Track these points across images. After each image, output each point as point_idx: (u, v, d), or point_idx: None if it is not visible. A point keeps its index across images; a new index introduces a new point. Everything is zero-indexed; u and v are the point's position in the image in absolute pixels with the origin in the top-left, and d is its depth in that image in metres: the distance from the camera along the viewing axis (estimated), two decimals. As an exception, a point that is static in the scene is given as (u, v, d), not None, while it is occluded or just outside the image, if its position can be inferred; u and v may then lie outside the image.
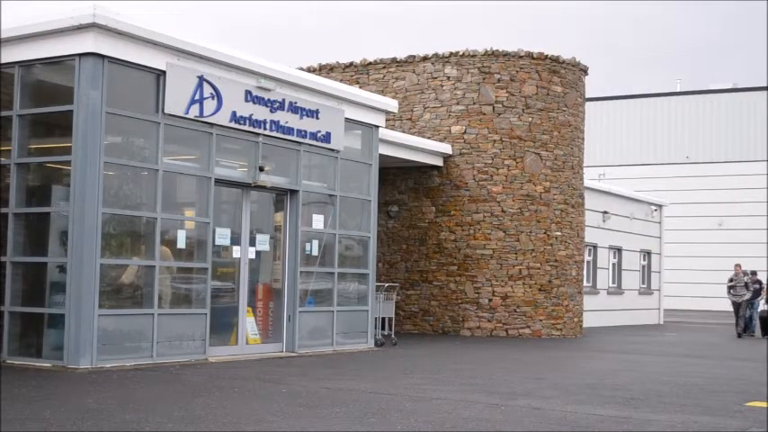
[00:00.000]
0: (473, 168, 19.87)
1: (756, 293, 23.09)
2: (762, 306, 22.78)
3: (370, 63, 21.27)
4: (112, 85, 11.31)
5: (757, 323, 22.88)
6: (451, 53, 20.23)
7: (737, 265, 23.56)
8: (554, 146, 20.15)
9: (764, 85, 44.54)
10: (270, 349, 13.91)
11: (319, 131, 14.52)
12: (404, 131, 20.00)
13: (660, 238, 31.29)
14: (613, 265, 27.90)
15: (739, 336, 22.45)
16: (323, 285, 14.93)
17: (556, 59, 20.24)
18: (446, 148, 19.88)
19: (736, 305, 22.92)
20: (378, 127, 16.12)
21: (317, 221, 14.77)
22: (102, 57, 11.17)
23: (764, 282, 23.68)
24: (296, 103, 14.08)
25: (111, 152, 11.49)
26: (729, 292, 23.20)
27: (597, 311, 25.25)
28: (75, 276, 10.94)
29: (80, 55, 11.14)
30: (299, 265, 14.26)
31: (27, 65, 11.72)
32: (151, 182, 11.91)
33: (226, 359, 12.64)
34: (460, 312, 19.78)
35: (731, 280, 23.21)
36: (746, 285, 22.90)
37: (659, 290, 31.06)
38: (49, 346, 11.28)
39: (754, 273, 23.93)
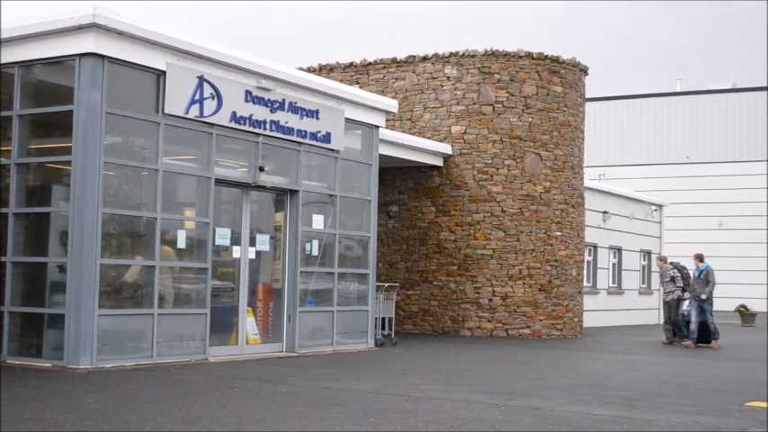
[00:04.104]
0: (473, 168, 19.87)
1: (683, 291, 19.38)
2: (685, 306, 19.23)
3: (370, 63, 21.27)
4: (112, 85, 11.31)
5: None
6: (451, 53, 20.22)
7: (662, 258, 20.51)
8: (554, 146, 20.15)
9: (764, 85, 44.52)
10: (270, 349, 13.91)
11: (319, 131, 14.52)
12: (404, 131, 19.99)
13: (660, 238, 31.28)
14: (613, 265, 27.90)
15: (669, 342, 19.19)
16: (323, 285, 14.92)
17: (556, 59, 20.24)
18: (446, 148, 19.88)
19: (666, 304, 19.69)
20: (378, 127, 16.11)
21: (317, 221, 14.77)
22: (102, 57, 11.17)
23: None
24: (296, 103, 14.08)
25: (111, 152, 11.49)
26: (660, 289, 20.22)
27: (597, 311, 25.25)
28: (75, 276, 10.94)
29: (80, 55, 11.14)
30: (299, 265, 14.25)
31: (27, 65, 11.72)
32: (151, 182, 11.91)
33: (226, 359, 12.64)
34: (460, 312, 19.78)
35: (660, 279, 20.27)
36: (673, 280, 19.41)
37: (659, 290, 31.06)
38: (49, 346, 11.28)
39: (683, 267, 19.87)
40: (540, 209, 19.89)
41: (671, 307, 19.32)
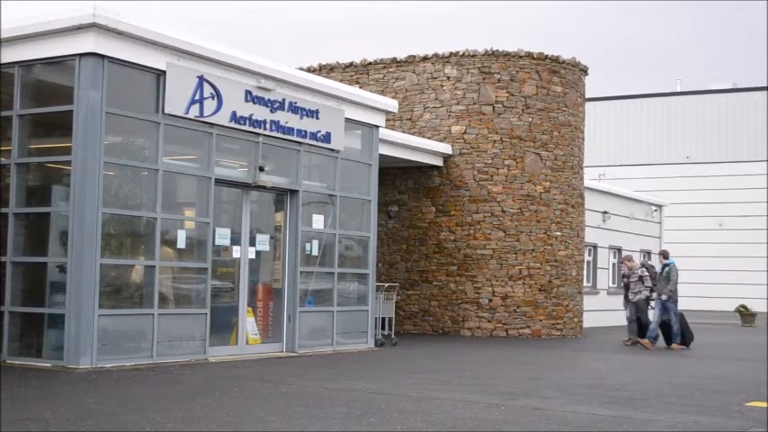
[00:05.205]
0: (473, 168, 19.87)
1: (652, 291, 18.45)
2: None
3: (370, 63, 21.27)
4: (112, 85, 11.31)
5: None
6: (451, 53, 20.23)
7: (628, 259, 19.25)
8: (554, 146, 20.15)
9: (764, 85, 44.55)
10: (270, 349, 13.91)
11: (319, 131, 14.52)
12: (404, 131, 19.99)
13: (660, 238, 31.28)
14: (613, 265, 27.89)
15: (633, 343, 18.37)
16: (323, 285, 14.92)
17: (556, 59, 20.24)
18: (446, 148, 19.88)
19: (633, 304, 18.53)
20: (378, 127, 16.11)
21: (317, 221, 14.77)
22: (102, 57, 11.16)
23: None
24: (296, 103, 14.07)
25: (111, 152, 11.49)
26: (628, 294, 18.76)
27: (597, 311, 25.24)
28: (75, 276, 10.94)
29: (80, 55, 11.14)
30: (299, 265, 14.25)
31: (27, 65, 11.72)
32: (151, 182, 11.91)
33: (226, 359, 12.64)
34: (460, 312, 19.77)
35: (625, 277, 18.97)
36: (642, 280, 18.37)
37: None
38: (49, 346, 11.28)
39: (652, 267, 19.06)
40: (540, 209, 19.89)
41: (639, 307, 18.42)
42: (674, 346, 17.79)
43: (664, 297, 17.82)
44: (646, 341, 17.79)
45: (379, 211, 17.78)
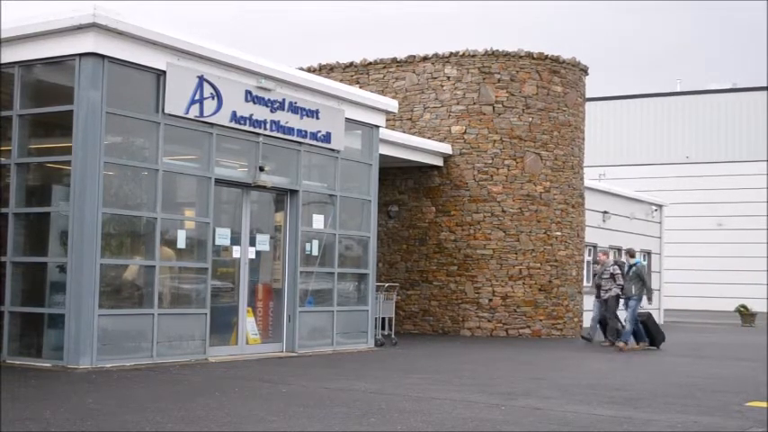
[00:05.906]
0: (473, 168, 19.87)
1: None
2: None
3: (370, 63, 21.27)
4: (112, 85, 11.31)
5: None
6: (451, 53, 20.23)
7: (603, 254, 18.95)
8: (554, 146, 20.15)
9: (764, 85, 44.54)
10: (270, 349, 13.91)
11: (319, 131, 14.52)
12: (404, 131, 19.99)
13: (660, 238, 31.28)
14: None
15: (590, 339, 18.23)
16: (323, 285, 14.92)
17: (556, 59, 20.25)
18: (446, 148, 19.88)
19: (603, 302, 18.09)
20: (378, 127, 16.11)
21: (317, 221, 14.77)
22: (103, 57, 11.16)
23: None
24: (296, 103, 14.07)
25: (111, 152, 11.49)
26: (599, 292, 18.20)
27: (597, 311, 25.20)
28: (75, 276, 10.94)
29: (80, 55, 11.14)
30: (299, 265, 14.25)
31: (27, 65, 11.72)
32: (151, 182, 11.91)
33: (226, 359, 12.64)
34: (460, 312, 19.77)
35: (596, 274, 18.52)
36: (613, 277, 17.82)
37: (659, 290, 31.02)
38: (49, 346, 11.28)
39: (624, 264, 18.46)
40: (540, 209, 19.89)
41: (609, 305, 17.94)
42: (622, 345, 17.11)
43: (634, 296, 17.48)
44: (622, 344, 17.17)
45: (379, 211, 17.76)
